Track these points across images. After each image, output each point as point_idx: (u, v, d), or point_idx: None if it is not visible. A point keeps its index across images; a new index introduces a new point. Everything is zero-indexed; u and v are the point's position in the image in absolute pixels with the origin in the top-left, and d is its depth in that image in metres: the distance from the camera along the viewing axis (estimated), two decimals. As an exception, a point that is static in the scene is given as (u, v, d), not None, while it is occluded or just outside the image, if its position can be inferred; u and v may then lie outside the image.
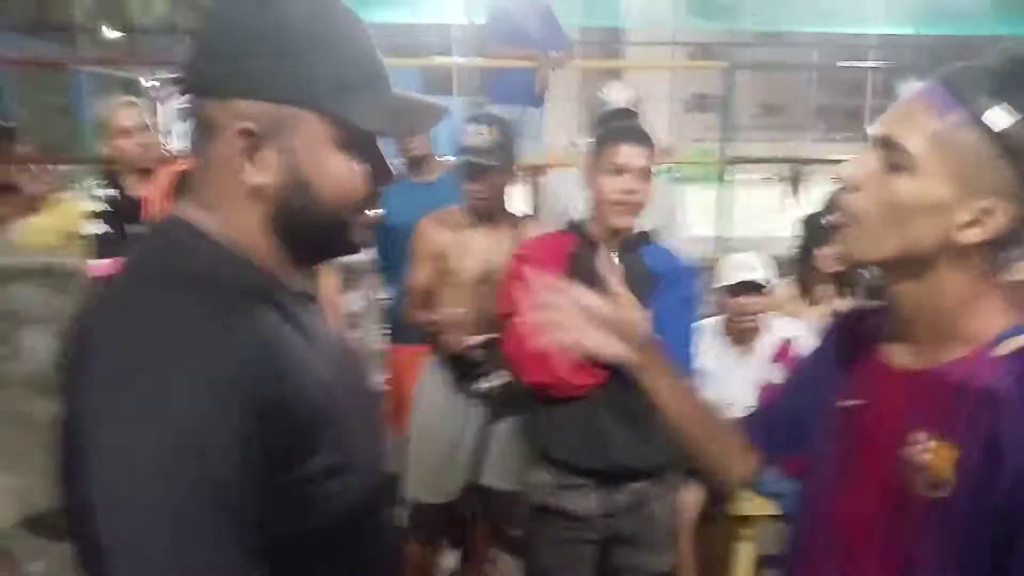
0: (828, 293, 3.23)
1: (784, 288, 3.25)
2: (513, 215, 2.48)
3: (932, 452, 0.82)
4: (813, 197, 4.01)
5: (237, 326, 0.72)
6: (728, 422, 1.17)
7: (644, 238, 2.05)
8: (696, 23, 18.47)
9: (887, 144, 0.83)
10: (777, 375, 2.80)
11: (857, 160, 0.87)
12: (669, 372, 1.13)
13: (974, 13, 12.76)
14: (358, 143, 0.80)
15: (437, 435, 2.42)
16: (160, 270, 0.77)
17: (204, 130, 0.78)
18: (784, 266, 3.17)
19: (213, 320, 0.72)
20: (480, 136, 2.27)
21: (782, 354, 2.80)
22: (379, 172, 0.85)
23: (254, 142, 0.76)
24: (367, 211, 0.86)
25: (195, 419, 0.66)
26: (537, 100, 4.86)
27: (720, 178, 5.54)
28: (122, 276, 0.79)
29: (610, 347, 1.04)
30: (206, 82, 0.77)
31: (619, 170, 1.90)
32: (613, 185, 1.90)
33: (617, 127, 2.04)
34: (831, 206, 0.97)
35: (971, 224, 0.80)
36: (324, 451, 0.78)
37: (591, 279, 1.94)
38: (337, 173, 0.80)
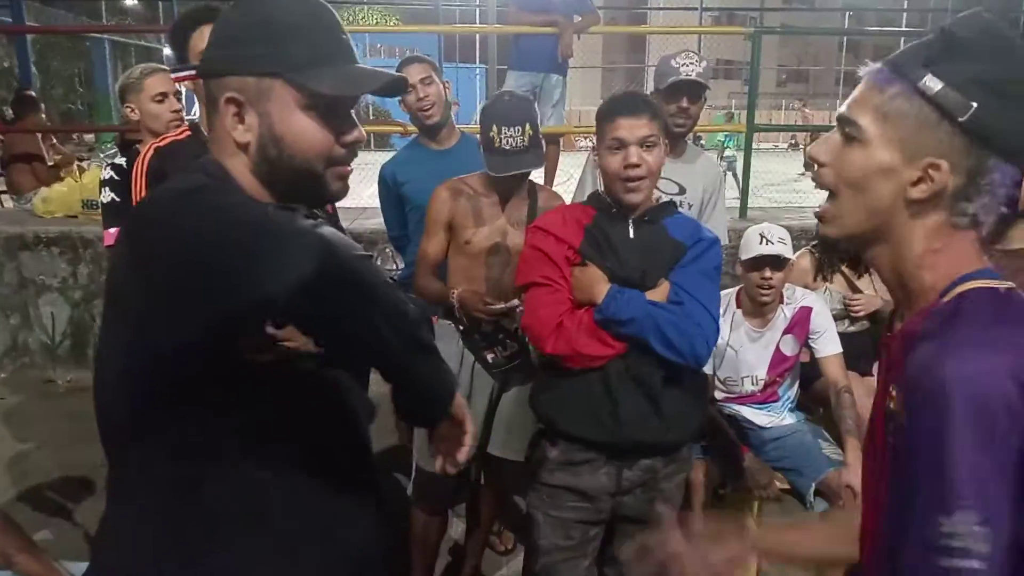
0: (843, 266, 3.19)
1: (800, 259, 3.19)
2: (531, 184, 2.44)
3: (893, 400, 0.90)
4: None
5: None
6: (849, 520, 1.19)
7: (667, 208, 2.00)
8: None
9: (843, 121, 0.94)
10: (791, 347, 2.77)
11: (823, 139, 0.97)
12: (786, 541, 1.30)
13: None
14: (321, 105, 1.01)
15: None
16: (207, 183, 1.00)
17: (210, 103, 1.04)
18: (802, 236, 3.11)
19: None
20: (514, 138, 2.22)
21: (798, 324, 2.75)
22: (346, 131, 1.05)
23: (240, 108, 1.00)
24: (341, 165, 1.06)
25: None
26: (561, 67, 4.78)
27: (746, 146, 5.44)
28: (164, 188, 1.01)
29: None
30: (209, 66, 1.03)
31: (621, 144, 1.83)
32: (617, 160, 1.84)
33: (614, 100, 1.95)
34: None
35: (919, 181, 0.88)
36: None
37: (607, 251, 1.94)
38: (302, 129, 1.01)
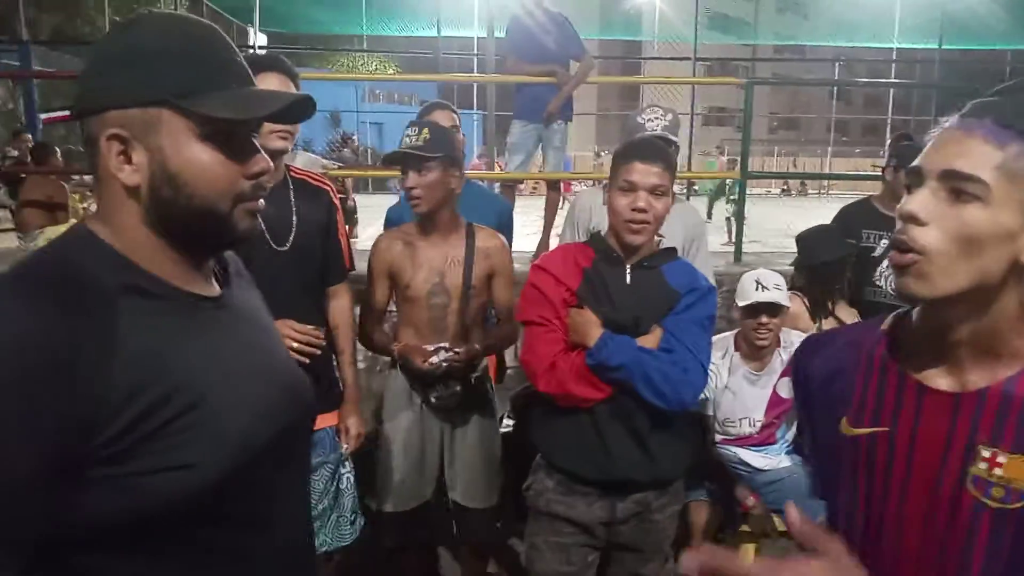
0: (835, 307, 3.23)
1: (793, 301, 3.24)
2: (465, 223, 2.42)
3: (1007, 467, 0.85)
4: (826, 210, 4.01)
5: (45, 317, 0.78)
6: None
7: (666, 254, 2.03)
8: (715, 37, 18.58)
9: (954, 176, 0.85)
10: (788, 390, 2.80)
11: (918, 196, 0.87)
12: None
13: (997, 28, 12.73)
14: (219, 134, 0.89)
15: (402, 447, 2.42)
16: (20, 267, 0.86)
17: (89, 146, 0.89)
18: (791, 279, 3.16)
19: (21, 313, 0.78)
20: (412, 137, 2.28)
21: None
22: (251, 162, 0.92)
23: (126, 146, 0.87)
24: (250, 200, 0.93)
25: None
26: (564, 114, 4.87)
27: (739, 192, 5.54)
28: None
29: None
30: (83, 103, 0.88)
31: (632, 187, 1.88)
32: (625, 202, 1.89)
33: (634, 144, 2.02)
34: (891, 243, 0.95)
35: None
36: (168, 448, 0.83)
37: (602, 295, 1.99)
38: (200, 163, 0.89)
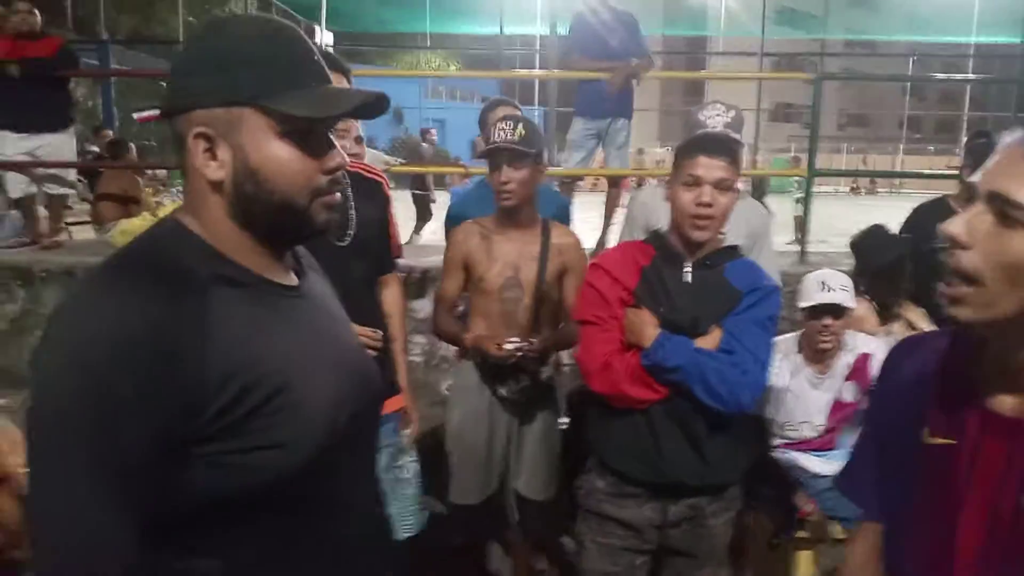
0: (904, 308, 3.14)
1: (860, 304, 3.16)
2: (542, 219, 2.46)
3: None
4: (897, 209, 3.90)
5: (149, 307, 0.84)
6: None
7: (728, 252, 1.99)
8: (783, 32, 18.14)
9: (999, 200, 0.82)
10: (852, 393, 2.73)
11: (965, 217, 0.85)
12: None
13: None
14: (298, 131, 0.93)
15: (470, 439, 2.46)
16: (118, 258, 0.92)
17: (178, 144, 0.94)
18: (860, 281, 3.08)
19: (124, 301, 0.84)
20: (507, 132, 2.29)
21: (859, 371, 2.73)
22: (328, 158, 0.96)
23: (211, 143, 0.92)
24: (327, 195, 0.98)
25: (67, 388, 0.81)
26: (626, 111, 4.84)
27: (806, 190, 5.41)
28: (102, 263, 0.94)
29: None
30: (171, 103, 0.93)
31: (697, 182, 1.85)
32: (689, 197, 1.86)
33: (698, 138, 1.98)
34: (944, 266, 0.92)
35: None
36: (260, 428, 0.89)
37: (660, 295, 1.96)
38: (280, 159, 0.93)
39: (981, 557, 0.92)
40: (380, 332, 2.14)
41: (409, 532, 2.32)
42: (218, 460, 0.87)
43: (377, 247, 2.23)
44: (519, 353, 2.26)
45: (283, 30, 0.96)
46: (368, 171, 2.27)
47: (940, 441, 0.96)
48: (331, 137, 0.98)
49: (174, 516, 0.87)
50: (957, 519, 0.94)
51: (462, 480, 2.47)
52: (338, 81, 2.00)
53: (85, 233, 6.85)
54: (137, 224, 5.62)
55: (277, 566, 0.96)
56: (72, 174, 5.48)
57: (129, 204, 6.47)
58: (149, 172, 9.73)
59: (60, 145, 5.11)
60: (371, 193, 2.21)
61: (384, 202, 2.27)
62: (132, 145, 7.53)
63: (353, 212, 2.12)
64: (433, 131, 11.79)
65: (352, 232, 2.11)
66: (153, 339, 0.82)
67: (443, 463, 2.48)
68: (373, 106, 0.99)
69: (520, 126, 2.30)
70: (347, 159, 1.00)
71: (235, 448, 0.87)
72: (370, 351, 2.05)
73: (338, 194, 1.00)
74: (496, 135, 2.30)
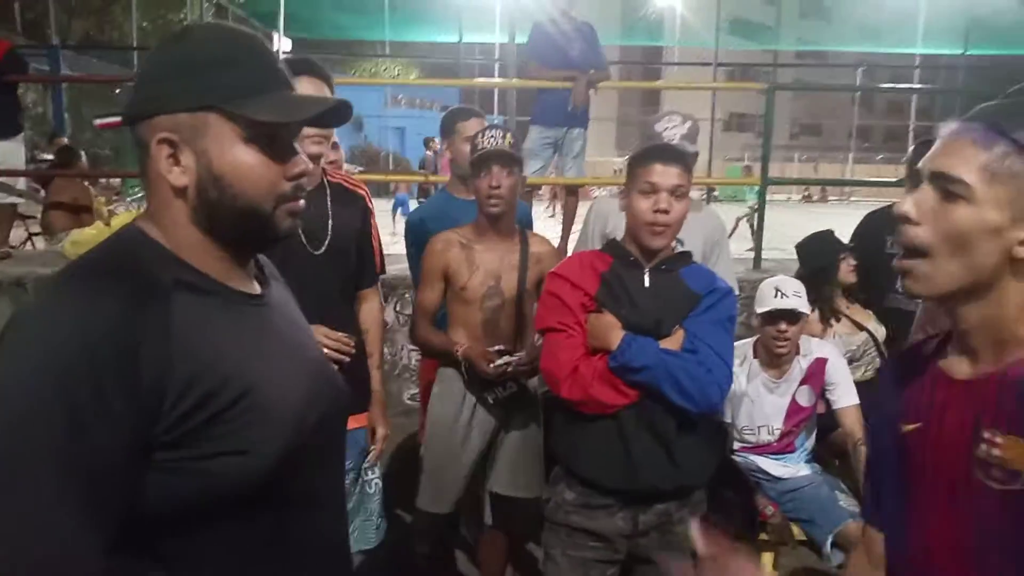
0: (849, 310, 3.26)
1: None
2: (520, 231, 2.49)
3: (1004, 447, 0.89)
4: (848, 216, 4.01)
5: (110, 313, 0.83)
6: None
7: (682, 258, 2.04)
8: (737, 43, 18.49)
9: (941, 178, 0.91)
10: (807, 398, 2.80)
11: (913, 196, 0.93)
12: None
13: (1022, 33, 12.56)
14: (262, 137, 0.93)
15: (449, 447, 2.46)
16: (79, 265, 0.92)
17: (140, 150, 0.94)
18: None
19: (86, 306, 0.84)
20: (496, 139, 2.34)
21: (814, 376, 2.79)
22: (291, 164, 0.97)
23: (175, 149, 0.92)
24: (291, 201, 0.98)
25: (31, 394, 0.80)
26: (582, 120, 4.89)
27: (760, 198, 5.52)
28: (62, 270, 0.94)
29: None
30: (134, 109, 0.94)
31: (654, 189, 1.89)
32: (646, 205, 1.89)
33: (652, 147, 2.03)
34: (894, 242, 1.02)
35: None
36: (223, 434, 0.89)
37: (622, 299, 1.99)
38: (244, 164, 0.93)
39: (952, 531, 0.95)
40: (353, 338, 2.13)
41: (371, 544, 2.32)
42: (184, 466, 0.87)
43: (355, 258, 2.22)
44: (510, 369, 2.28)
45: (247, 37, 0.97)
46: (350, 183, 2.27)
47: (912, 427, 1.02)
48: (295, 144, 0.98)
49: (141, 523, 0.86)
50: (930, 500, 0.99)
51: (438, 488, 2.47)
52: (319, 89, 1.99)
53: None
54: (89, 234, 5.49)
55: (245, 570, 0.96)
56: (21, 183, 5.35)
57: (81, 214, 6.32)
58: (103, 181, 9.54)
59: (8, 153, 4.99)
60: (351, 204, 2.21)
61: (364, 214, 2.26)
62: (82, 152, 7.37)
63: (331, 221, 2.11)
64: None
65: (328, 241, 2.10)
66: (115, 345, 0.82)
67: (411, 472, 2.47)
68: (337, 113, 1.00)
69: (508, 135, 2.36)
70: (311, 165, 1.01)
71: (200, 454, 0.87)
72: (343, 356, 2.04)
73: (302, 201, 1.00)
74: (486, 142, 2.33)
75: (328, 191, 2.14)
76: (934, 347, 1.06)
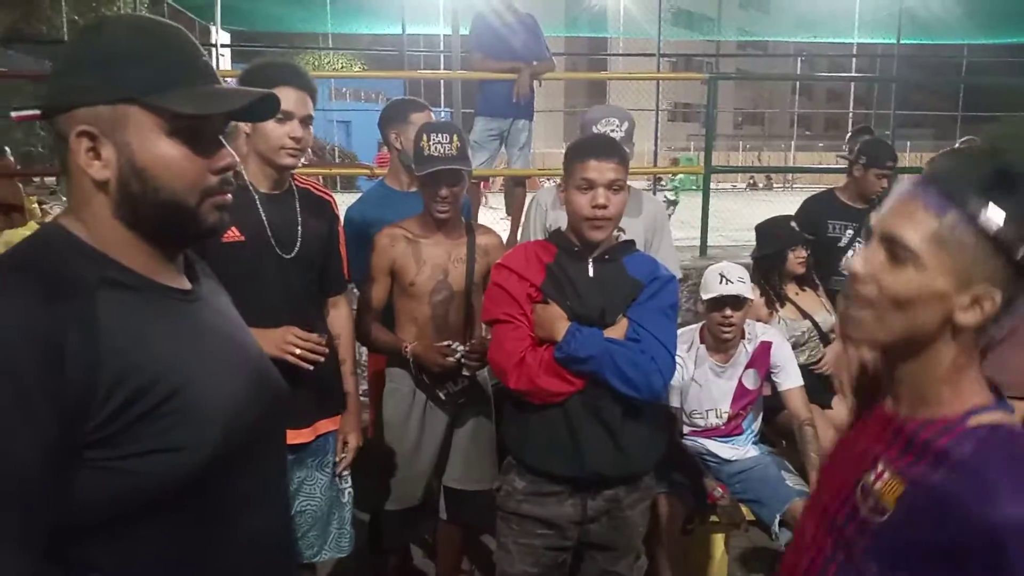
0: (792, 293, 3.32)
1: (754, 293, 3.30)
2: (466, 223, 2.48)
3: (885, 483, 0.94)
4: (791, 203, 4.09)
5: (32, 312, 0.81)
6: None
7: (625, 247, 2.05)
8: (679, 34, 18.73)
9: (890, 240, 0.92)
10: (753, 381, 2.85)
11: (864, 254, 0.96)
12: None
13: (954, 23, 13.03)
14: (185, 129, 0.92)
15: (405, 447, 2.45)
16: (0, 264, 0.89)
17: (59, 144, 0.92)
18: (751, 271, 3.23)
19: (6, 310, 0.80)
20: (444, 146, 2.29)
21: (759, 359, 2.84)
22: (217, 157, 0.95)
23: (95, 142, 0.90)
24: (218, 195, 0.96)
25: None
26: (527, 112, 4.88)
27: (704, 187, 5.59)
28: None
29: None
30: (52, 102, 0.91)
31: (590, 185, 1.90)
32: (584, 200, 1.90)
33: (586, 142, 2.04)
34: (842, 293, 1.05)
35: (967, 308, 0.90)
36: (154, 432, 0.87)
37: (567, 289, 2.00)
38: (168, 157, 0.92)
39: (819, 543, 1.03)
40: (324, 338, 2.07)
41: (344, 553, 2.29)
42: (114, 464, 0.84)
43: (323, 263, 2.18)
44: (458, 357, 2.27)
45: (169, 28, 0.95)
46: (317, 188, 2.22)
47: (849, 426, 1.09)
48: (220, 138, 0.96)
49: (73, 525, 0.84)
50: (819, 494, 1.07)
51: (397, 486, 2.45)
52: (300, 99, 1.96)
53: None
54: (22, 235, 5.30)
55: (184, 570, 0.93)
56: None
57: (11, 213, 6.10)
58: (37, 180, 9.19)
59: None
60: (319, 210, 2.16)
61: (331, 220, 2.23)
62: (7, 149, 7.09)
63: (300, 227, 2.07)
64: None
65: (298, 246, 2.06)
66: (36, 340, 0.79)
67: (368, 471, 2.44)
68: (263, 106, 0.98)
69: (455, 137, 2.29)
70: (237, 159, 0.99)
71: (130, 452, 0.85)
72: (317, 357, 1.99)
73: (229, 195, 0.98)
74: (432, 149, 2.27)
75: (296, 195, 2.10)
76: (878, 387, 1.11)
